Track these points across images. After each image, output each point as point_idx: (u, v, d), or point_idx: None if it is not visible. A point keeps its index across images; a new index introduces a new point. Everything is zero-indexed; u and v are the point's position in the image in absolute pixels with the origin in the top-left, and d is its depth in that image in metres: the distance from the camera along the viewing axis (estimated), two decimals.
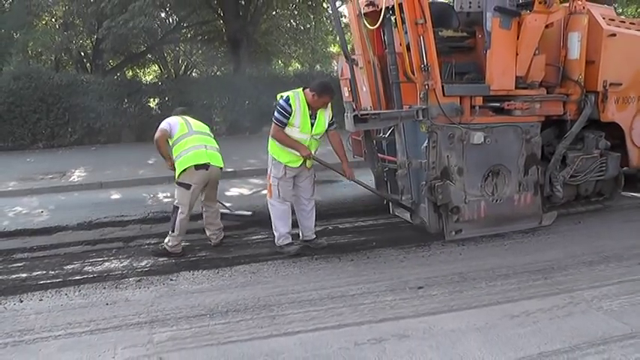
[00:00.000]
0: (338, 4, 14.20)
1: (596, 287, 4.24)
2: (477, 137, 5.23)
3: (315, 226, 5.38)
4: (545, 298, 4.07)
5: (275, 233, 5.14)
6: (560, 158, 5.68)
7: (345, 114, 5.23)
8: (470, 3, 5.91)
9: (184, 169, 5.02)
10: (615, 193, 6.31)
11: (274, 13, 18.46)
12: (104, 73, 16.32)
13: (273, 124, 4.88)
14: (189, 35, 19.42)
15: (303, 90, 4.95)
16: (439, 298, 4.13)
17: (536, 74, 5.44)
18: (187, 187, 5.05)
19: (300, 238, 5.29)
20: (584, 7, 5.43)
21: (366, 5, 5.49)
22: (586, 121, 5.70)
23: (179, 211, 5.06)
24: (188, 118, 5.48)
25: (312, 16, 18.54)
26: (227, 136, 14.08)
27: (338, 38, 6.16)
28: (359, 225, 6.15)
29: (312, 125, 4.93)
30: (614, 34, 5.50)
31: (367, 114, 5.28)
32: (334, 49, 24.93)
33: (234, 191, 8.20)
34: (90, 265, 5.04)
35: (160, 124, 5.30)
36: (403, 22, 5.09)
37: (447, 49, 5.70)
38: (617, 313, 3.79)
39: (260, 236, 5.74)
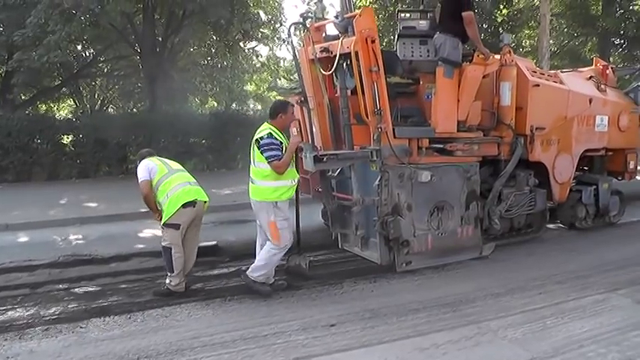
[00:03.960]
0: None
1: (502, 317, 4.62)
2: (425, 176, 5.84)
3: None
4: (453, 330, 4.38)
5: (265, 274, 5.23)
6: (497, 194, 6.45)
7: (304, 154, 5.55)
8: (412, 52, 6.66)
9: (174, 212, 5.10)
10: (542, 225, 7.20)
11: (192, 50, 18.74)
12: (14, 108, 15.77)
13: (272, 164, 4.98)
14: (105, 70, 19.15)
15: (269, 123, 5.25)
16: (351, 334, 4.34)
17: (474, 119, 6.23)
18: (177, 227, 5.16)
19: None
20: (512, 60, 6.34)
21: (320, 51, 5.99)
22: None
23: (173, 251, 5.14)
24: (160, 158, 5.59)
25: (229, 55, 19.00)
26: None
27: (299, 81, 6.54)
28: None
29: None
30: (538, 85, 6.43)
31: (326, 154, 5.71)
32: (250, 88, 25.57)
33: (147, 232, 8.12)
34: None
35: (137, 173, 5.32)
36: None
37: (394, 94, 6.35)
38: (520, 341, 4.19)
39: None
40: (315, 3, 16.64)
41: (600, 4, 21.90)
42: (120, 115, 17.91)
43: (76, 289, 5.63)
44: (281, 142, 5.11)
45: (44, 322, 4.69)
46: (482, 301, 5.06)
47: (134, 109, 18.74)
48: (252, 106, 26.13)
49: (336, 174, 6.28)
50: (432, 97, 6.23)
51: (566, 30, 23.49)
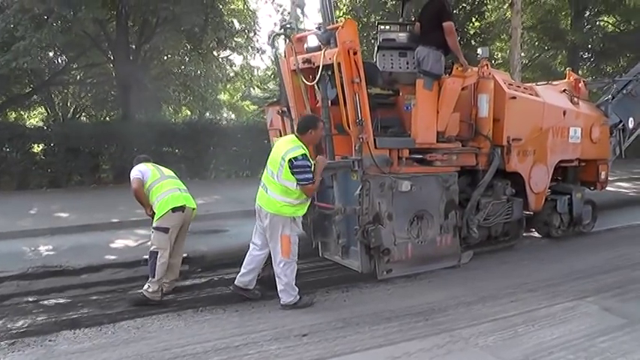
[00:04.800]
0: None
1: (474, 325, 4.70)
2: (405, 185, 5.98)
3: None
4: (425, 339, 4.44)
5: (293, 293, 5.21)
6: (475, 204, 6.63)
7: None
8: (392, 64, 6.83)
9: (162, 214, 5.25)
10: (519, 233, 7.43)
11: (165, 58, 18.68)
12: None
13: (306, 187, 5.02)
14: (78, 77, 18.93)
15: (297, 137, 5.22)
16: (323, 344, 4.38)
17: (453, 130, 6.41)
18: (166, 230, 5.27)
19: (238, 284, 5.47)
20: (490, 73, 6.55)
21: (303, 62, 6.09)
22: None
23: (158, 255, 5.22)
24: (155, 164, 5.77)
25: (202, 64, 19.00)
26: (114, 184, 13.96)
27: (282, 92, 6.63)
28: None
29: None
30: (514, 97, 6.66)
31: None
32: (224, 97, 25.55)
33: (119, 243, 8.14)
34: None
35: (130, 175, 5.52)
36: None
37: (375, 105, 6.49)
38: (492, 348, 4.28)
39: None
40: (289, 13, 16.87)
41: (569, 19, 22.65)
42: (92, 123, 17.70)
43: (45, 302, 5.56)
44: (311, 164, 5.10)
45: (11, 335, 4.62)
46: (454, 309, 5.15)
47: (107, 118, 18.54)
48: (225, 115, 26.13)
49: None
50: (412, 108, 6.39)
51: (537, 43, 24.26)
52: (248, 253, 5.51)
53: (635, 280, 6.00)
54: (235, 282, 5.48)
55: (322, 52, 5.75)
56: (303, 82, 6.13)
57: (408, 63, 6.85)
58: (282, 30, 6.48)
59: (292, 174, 4.97)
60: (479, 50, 6.73)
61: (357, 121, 5.67)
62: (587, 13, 22.87)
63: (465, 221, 6.59)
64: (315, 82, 5.91)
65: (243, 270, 5.46)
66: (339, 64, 5.62)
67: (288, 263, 5.17)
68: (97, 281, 6.22)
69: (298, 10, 6.28)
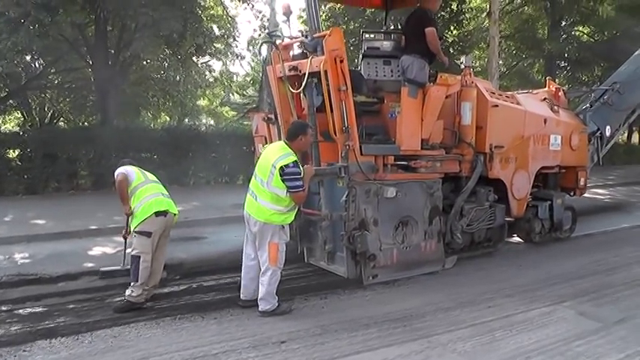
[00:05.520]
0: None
1: (452, 331, 4.78)
2: (390, 192, 6.07)
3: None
4: (404, 345, 4.49)
5: (272, 301, 5.22)
6: (459, 210, 6.77)
7: None
8: (377, 72, 6.96)
9: (145, 218, 5.27)
10: (501, 238, 7.59)
11: (144, 63, 18.59)
12: None
13: (297, 194, 5.06)
14: (56, 82, 18.73)
15: (286, 144, 5.24)
16: (301, 351, 4.40)
17: (437, 137, 6.55)
18: (148, 235, 5.29)
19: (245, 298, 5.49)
20: (472, 82, 6.71)
21: (289, 70, 6.18)
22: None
23: (141, 259, 5.24)
24: (139, 168, 5.81)
25: (181, 69, 18.97)
26: (92, 191, 13.86)
27: (270, 99, 6.72)
28: (223, 282, 6.36)
29: None
30: (496, 105, 6.83)
31: None
32: (203, 102, 25.51)
33: (97, 250, 8.07)
34: None
35: (115, 173, 5.58)
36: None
37: (360, 113, 6.59)
38: (469, 353, 4.36)
39: (123, 298, 5.62)
40: (268, 19, 16.91)
41: (546, 28, 23.17)
42: (70, 128, 17.44)
43: (20, 311, 5.45)
44: (302, 171, 5.14)
45: None
46: (432, 315, 5.22)
47: (85, 123, 18.34)
48: (204, 121, 26.09)
49: None
50: (396, 115, 6.51)
51: (514, 52, 24.77)
52: (243, 265, 5.51)
53: (609, 285, 6.19)
54: (242, 297, 5.47)
55: (309, 59, 5.83)
56: (290, 89, 6.20)
57: (392, 71, 7.01)
58: (269, 37, 6.55)
59: (283, 181, 4.99)
60: (462, 59, 6.91)
61: (344, 129, 5.77)
62: (564, 23, 23.45)
63: (448, 227, 6.72)
64: (302, 89, 5.99)
65: (243, 282, 5.48)
66: (325, 72, 5.70)
67: (275, 271, 5.19)
68: (74, 289, 6.12)
69: (284, 18, 6.31)
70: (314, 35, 5.95)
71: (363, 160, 5.95)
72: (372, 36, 7.34)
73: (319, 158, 6.07)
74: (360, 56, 7.26)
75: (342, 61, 5.68)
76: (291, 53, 6.43)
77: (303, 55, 6.08)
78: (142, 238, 5.32)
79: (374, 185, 6.00)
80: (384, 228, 6.12)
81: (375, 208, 6.03)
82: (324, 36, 5.76)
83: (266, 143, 6.68)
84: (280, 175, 4.99)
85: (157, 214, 5.37)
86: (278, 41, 6.36)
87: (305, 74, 5.85)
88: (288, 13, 6.15)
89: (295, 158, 5.10)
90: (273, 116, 6.72)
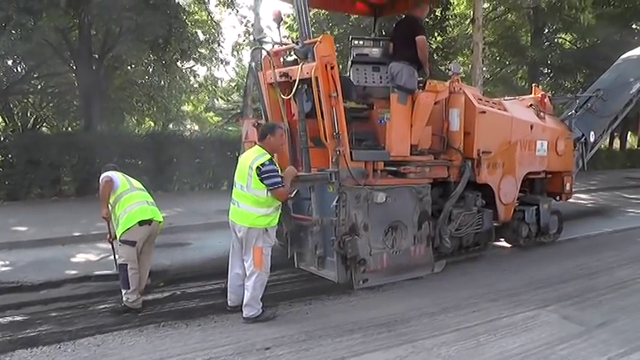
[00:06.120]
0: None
1: (436, 336, 4.82)
2: (380, 197, 6.15)
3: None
4: (388, 350, 4.52)
5: (257, 307, 5.24)
6: (448, 214, 6.88)
7: None
8: (366, 78, 7.05)
9: (129, 227, 5.29)
10: (489, 243, 7.72)
11: (129, 68, 18.54)
12: None
13: (277, 191, 5.09)
14: (39, 87, 18.56)
15: (260, 146, 5.30)
16: (286, 357, 4.41)
17: (426, 143, 6.65)
18: (132, 244, 5.33)
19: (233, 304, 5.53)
20: (460, 88, 6.84)
21: (280, 76, 6.22)
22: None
23: (128, 267, 5.29)
24: (124, 174, 5.82)
25: (166, 74, 18.95)
26: (76, 197, 13.79)
27: (262, 105, 6.76)
28: (207, 289, 6.35)
29: None
30: (484, 112, 6.96)
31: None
32: (188, 108, 25.45)
33: (80, 257, 8.02)
34: None
35: (100, 177, 5.61)
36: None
37: (350, 119, 6.67)
38: (454, 358, 4.39)
39: (107, 305, 5.70)
40: (252, 25, 16.94)
41: (529, 35, 23.54)
42: (53, 134, 17.32)
43: (0, 319, 5.35)
44: (279, 169, 5.21)
45: None
46: (416, 320, 5.26)
47: (69, 128, 18.20)
48: (189, 126, 26.02)
49: (292, 195, 6.51)
50: (385, 121, 6.60)
51: (498, 58, 25.10)
52: (229, 275, 5.56)
53: (592, 289, 6.31)
54: (229, 304, 5.51)
55: (300, 66, 5.89)
56: (280, 95, 6.26)
57: (381, 78, 7.10)
58: (259, 44, 6.61)
59: (261, 180, 5.06)
60: (450, 65, 7.05)
61: (334, 135, 5.82)
62: (546, 30, 23.88)
63: (437, 231, 6.80)
64: (292, 95, 6.05)
65: (230, 289, 5.53)
66: (316, 79, 5.76)
67: (260, 275, 5.22)
68: (56, 297, 6.03)
69: (274, 25, 6.37)
70: (304, 42, 6.00)
71: (354, 166, 6.01)
72: (360, 43, 7.43)
73: (309, 164, 6.12)
74: (350, 62, 7.33)
75: (332, 68, 5.75)
76: (281, 59, 6.49)
77: (294, 62, 6.14)
78: (127, 247, 5.36)
79: (364, 190, 6.06)
80: (374, 233, 6.19)
81: (365, 213, 6.09)
82: (315, 42, 5.81)
83: None
84: (258, 175, 5.05)
85: (141, 223, 5.40)
86: (269, 47, 6.42)
87: (296, 80, 5.90)
88: (278, 19, 6.22)
89: (270, 157, 5.18)
90: (263, 122, 6.76)
